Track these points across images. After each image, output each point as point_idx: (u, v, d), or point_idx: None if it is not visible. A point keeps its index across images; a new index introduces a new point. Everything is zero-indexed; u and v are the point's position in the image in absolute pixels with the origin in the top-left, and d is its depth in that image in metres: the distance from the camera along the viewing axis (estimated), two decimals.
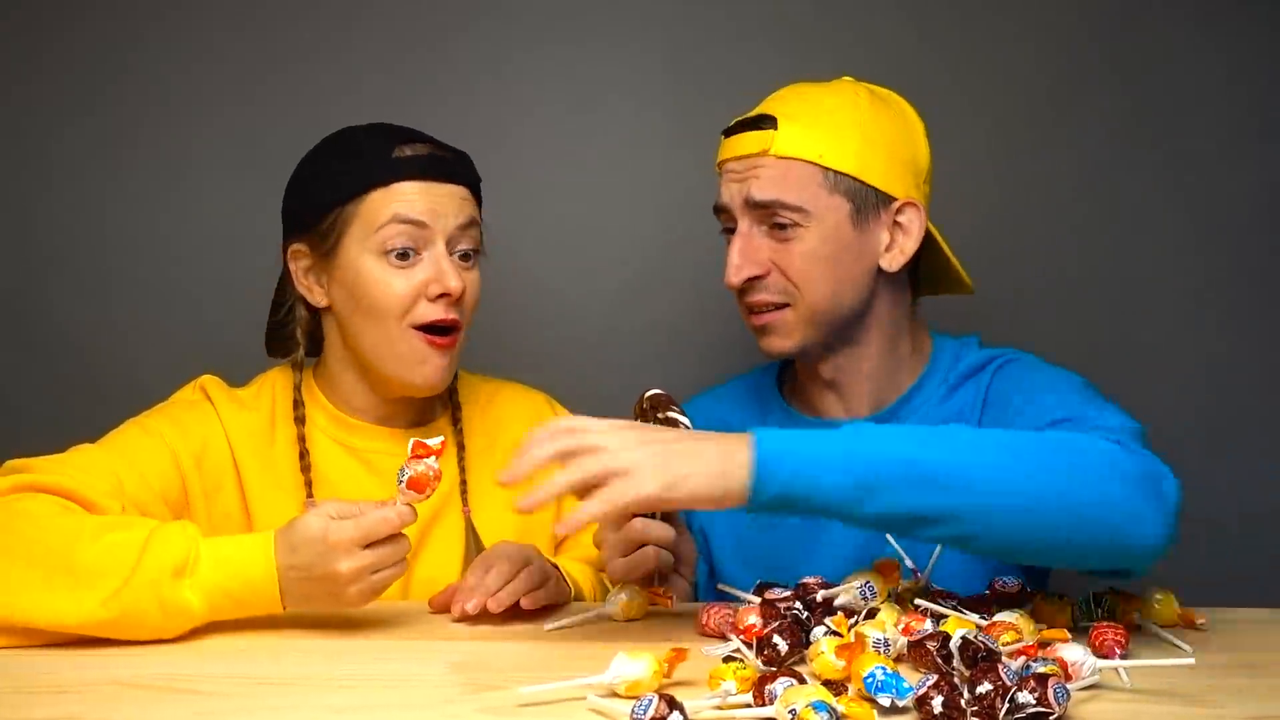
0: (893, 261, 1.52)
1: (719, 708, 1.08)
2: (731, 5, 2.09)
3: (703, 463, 1.18)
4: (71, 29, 2.08)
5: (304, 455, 1.49)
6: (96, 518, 1.32)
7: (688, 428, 1.38)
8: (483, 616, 1.34)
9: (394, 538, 1.28)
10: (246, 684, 1.16)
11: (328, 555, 1.26)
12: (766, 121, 1.50)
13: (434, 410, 1.58)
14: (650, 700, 1.03)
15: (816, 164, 1.48)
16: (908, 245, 1.52)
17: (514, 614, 1.35)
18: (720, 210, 1.54)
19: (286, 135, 2.04)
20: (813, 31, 2.07)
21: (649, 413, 1.41)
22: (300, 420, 1.50)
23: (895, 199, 1.51)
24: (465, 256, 1.49)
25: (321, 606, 1.29)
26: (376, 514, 1.27)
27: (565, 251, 2.10)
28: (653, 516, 1.38)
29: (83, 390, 2.08)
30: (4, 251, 2.11)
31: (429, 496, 1.28)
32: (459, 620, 1.34)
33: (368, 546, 1.26)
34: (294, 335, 1.54)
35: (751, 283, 1.50)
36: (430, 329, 1.47)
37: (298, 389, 1.52)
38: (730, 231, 1.53)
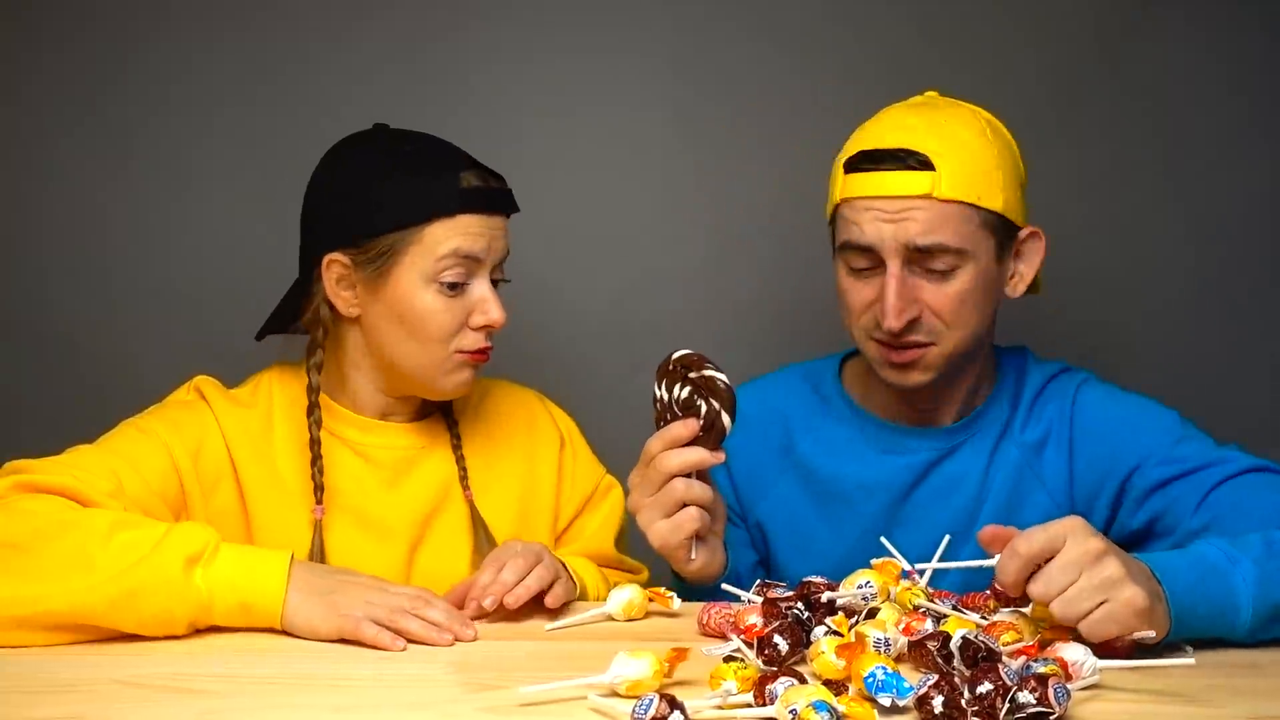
0: (1015, 289, 1.56)
1: (719, 707, 1.08)
2: (733, 6, 2.09)
3: (1146, 594, 1.17)
4: (72, 29, 2.08)
5: (316, 460, 1.49)
6: (109, 514, 1.32)
7: (725, 384, 1.36)
8: (493, 614, 1.35)
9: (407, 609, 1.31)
10: (246, 684, 1.16)
11: (351, 571, 1.37)
12: (918, 160, 1.47)
13: (430, 405, 1.59)
14: (651, 700, 1.03)
15: (974, 205, 1.48)
16: (1028, 272, 1.56)
17: (532, 609, 1.36)
18: (858, 248, 1.49)
19: (287, 136, 2.05)
20: (813, 32, 2.07)
21: (678, 373, 1.38)
22: (317, 424, 1.50)
23: (1020, 228, 1.54)
24: (496, 283, 1.51)
25: (318, 612, 1.29)
26: (408, 589, 1.35)
27: (565, 252, 2.10)
28: (689, 476, 1.37)
29: (83, 390, 2.08)
30: (4, 251, 2.10)
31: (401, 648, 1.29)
32: (475, 618, 1.35)
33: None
34: (316, 338, 1.52)
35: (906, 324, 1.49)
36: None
37: (316, 390, 1.51)
38: (864, 271, 1.50)
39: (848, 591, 1.29)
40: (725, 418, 1.36)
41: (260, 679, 1.17)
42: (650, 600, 1.38)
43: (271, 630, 1.29)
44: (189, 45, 2.08)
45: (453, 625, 1.30)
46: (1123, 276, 2.10)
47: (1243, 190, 2.08)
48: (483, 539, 1.52)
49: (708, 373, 1.37)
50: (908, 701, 1.06)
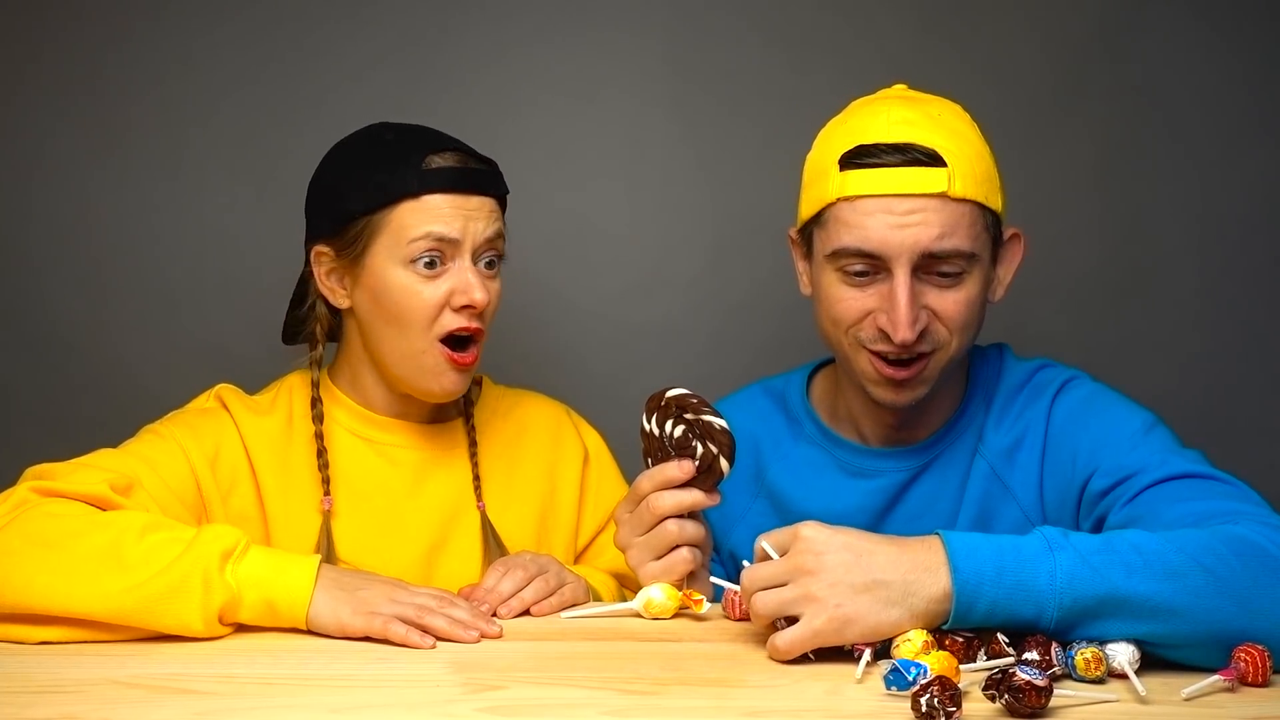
0: (996, 292, 1.46)
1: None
2: (733, 4, 2.08)
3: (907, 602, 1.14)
4: (70, 27, 2.08)
5: (321, 453, 1.50)
6: (140, 515, 1.32)
7: (724, 429, 1.33)
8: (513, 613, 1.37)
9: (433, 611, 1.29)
10: (246, 684, 1.16)
11: (373, 573, 1.35)
12: (925, 154, 1.36)
13: (449, 408, 1.58)
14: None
15: (983, 205, 1.39)
16: (1005, 276, 1.47)
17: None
18: (860, 254, 1.38)
19: (285, 133, 2.05)
20: (814, 29, 2.07)
21: (670, 410, 1.36)
22: (319, 418, 1.51)
23: (1005, 230, 1.46)
24: (489, 265, 1.49)
25: (345, 609, 1.27)
26: (429, 589, 1.34)
27: (565, 252, 2.10)
28: (681, 516, 1.35)
29: (83, 390, 2.08)
30: (3, 251, 2.10)
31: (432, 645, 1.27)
32: None
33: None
34: (313, 331, 1.54)
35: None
36: (453, 340, 1.47)
37: (315, 385, 1.52)
38: (860, 275, 1.39)
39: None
40: (724, 462, 1.34)
41: (259, 679, 1.17)
42: (681, 605, 1.36)
43: (276, 630, 1.29)
44: (187, 43, 2.08)
45: (477, 623, 1.29)
46: (1124, 275, 2.10)
47: (1245, 188, 2.08)
48: (494, 548, 1.52)
49: (706, 418, 1.34)
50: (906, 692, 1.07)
